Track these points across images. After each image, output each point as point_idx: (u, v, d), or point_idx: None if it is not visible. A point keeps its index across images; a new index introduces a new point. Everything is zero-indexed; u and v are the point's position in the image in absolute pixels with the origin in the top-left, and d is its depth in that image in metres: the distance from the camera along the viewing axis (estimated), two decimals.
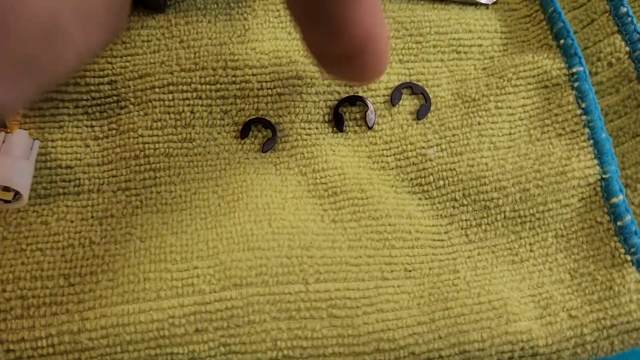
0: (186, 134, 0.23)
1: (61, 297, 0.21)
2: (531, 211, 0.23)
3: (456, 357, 0.21)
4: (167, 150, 0.23)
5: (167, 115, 0.23)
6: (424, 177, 0.24)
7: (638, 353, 0.24)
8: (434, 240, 0.23)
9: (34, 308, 0.20)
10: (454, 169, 0.23)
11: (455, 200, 0.23)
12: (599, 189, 0.23)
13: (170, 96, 0.24)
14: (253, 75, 0.24)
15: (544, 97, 0.24)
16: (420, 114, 0.24)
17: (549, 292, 0.22)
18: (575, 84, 0.24)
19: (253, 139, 0.24)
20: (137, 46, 0.24)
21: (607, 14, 0.25)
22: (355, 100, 0.24)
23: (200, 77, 0.24)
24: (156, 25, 0.24)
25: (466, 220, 0.23)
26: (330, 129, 0.24)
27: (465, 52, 0.26)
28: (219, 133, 0.24)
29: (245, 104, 0.24)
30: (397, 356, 0.21)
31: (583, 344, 0.21)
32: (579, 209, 0.23)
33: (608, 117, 0.24)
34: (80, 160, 0.23)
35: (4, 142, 0.22)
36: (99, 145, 0.23)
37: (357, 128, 0.24)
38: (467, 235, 0.23)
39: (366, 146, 0.24)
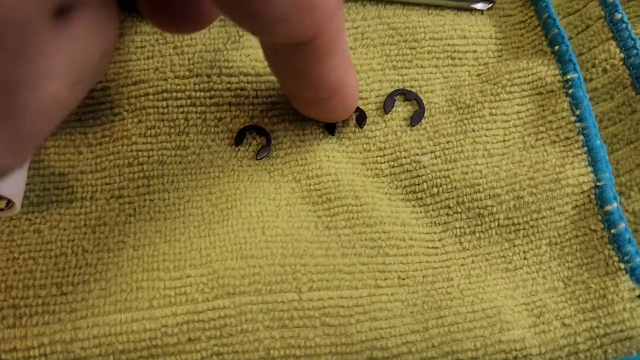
0: (180, 141, 0.23)
1: (54, 306, 0.20)
2: (525, 219, 0.23)
3: None
4: (160, 157, 0.23)
5: (161, 122, 0.23)
6: (418, 184, 0.24)
7: None
8: (428, 247, 0.23)
9: (26, 317, 0.20)
10: (448, 176, 0.23)
11: (449, 207, 0.23)
12: (593, 196, 0.23)
13: (164, 103, 0.23)
14: (248, 82, 0.24)
15: (538, 104, 0.24)
16: (414, 120, 0.24)
17: (543, 300, 0.22)
18: (570, 91, 0.24)
19: (247, 147, 0.24)
20: (131, 52, 0.24)
21: (602, 20, 0.25)
22: None
23: (194, 84, 0.24)
24: (150, 31, 0.24)
25: (460, 227, 0.23)
26: (324, 136, 0.24)
27: (459, 58, 0.25)
28: (213, 140, 0.24)
29: (240, 111, 0.24)
30: None
31: (576, 353, 0.21)
32: (572, 216, 0.23)
33: (602, 123, 0.24)
34: (73, 167, 0.23)
35: None
36: (92, 152, 0.23)
37: (351, 135, 0.24)
38: (460, 243, 0.23)
39: (360, 153, 0.24)
